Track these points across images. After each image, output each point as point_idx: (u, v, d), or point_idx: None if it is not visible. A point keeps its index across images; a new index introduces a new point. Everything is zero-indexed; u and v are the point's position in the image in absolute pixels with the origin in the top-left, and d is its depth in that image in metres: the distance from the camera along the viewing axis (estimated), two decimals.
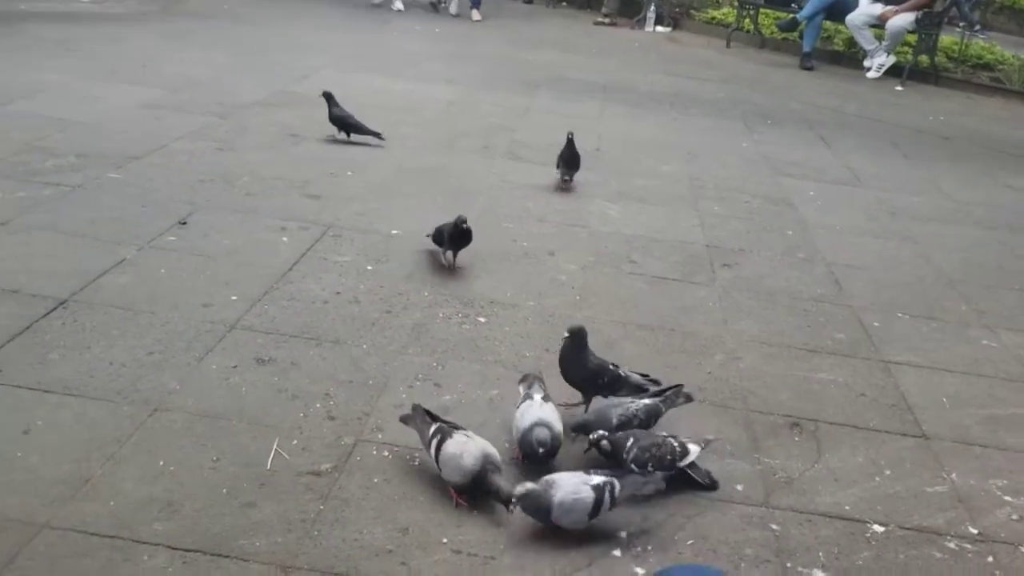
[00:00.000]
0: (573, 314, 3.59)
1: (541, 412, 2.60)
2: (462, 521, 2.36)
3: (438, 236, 3.87)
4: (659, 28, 12.08)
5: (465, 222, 3.74)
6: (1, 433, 2.49)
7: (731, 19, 11.78)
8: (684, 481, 2.58)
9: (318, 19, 10.04)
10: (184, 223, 4.03)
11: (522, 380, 2.82)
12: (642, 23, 12.07)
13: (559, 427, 2.59)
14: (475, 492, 2.40)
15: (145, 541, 2.16)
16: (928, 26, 10.04)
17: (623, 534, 2.37)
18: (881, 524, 2.54)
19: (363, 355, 3.11)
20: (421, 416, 2.55)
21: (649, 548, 2.34)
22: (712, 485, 2.61)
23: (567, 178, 5.06)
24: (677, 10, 12.53)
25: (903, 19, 9.80)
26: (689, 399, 2.87)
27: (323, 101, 5.50)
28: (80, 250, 3.66)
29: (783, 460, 2.79)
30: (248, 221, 4.15)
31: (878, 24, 10.06)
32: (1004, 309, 4.16)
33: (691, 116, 7.46)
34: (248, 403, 2.76)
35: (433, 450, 2.43)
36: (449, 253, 3.86)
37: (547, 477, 2.36)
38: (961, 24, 11.36)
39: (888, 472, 2.79)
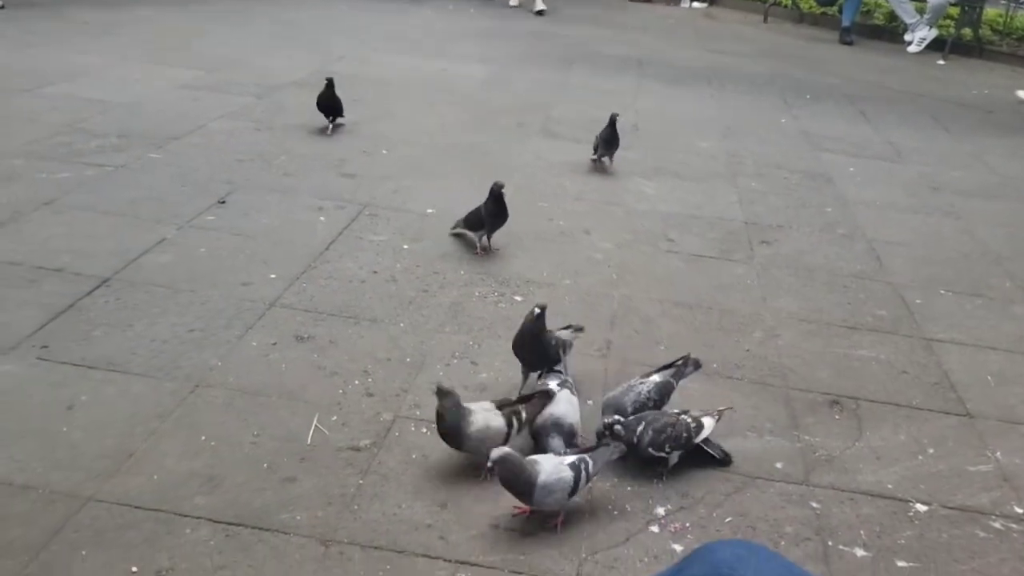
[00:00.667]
0: (610, 292, 3.57)
1: (555, 408, 2.56)
2: (499, 495, 2.36)
3: (473, 220, 3.79)
4: (695, 3, 11.92)
5: (503, 187, 3.68)
6: (46, 409, 2.54)
7: None
8: (699, 456, 2.56)
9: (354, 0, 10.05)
10: (223, 202, 4.07)
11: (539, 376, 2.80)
12: None
13: (573, 418, 2.56)
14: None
15: (188, 514, 2.20)
16: None
17: (661, 511, 2.36)
18: (924, 503, 2.51)
19: (401, 333, 3.12)
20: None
21: (687, 525, 2.33)
22: (726, 459, 2.59)
23: (606, 159, 4.99)
24: None
25: None
26: (698, 366, 2.83)
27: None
28: (121, 229, 3.71)
29: (823, 438, 2.76)
30: (286, 200, 4.18)
31: None
32: None
33: (728, 92, 7.37)
34: (288, 380, 2.78)
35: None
36: (484, 237, 3.79)
37: (527, 457, 2.31)
38: None
39: (931, 451, 2.75)
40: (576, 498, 2.31)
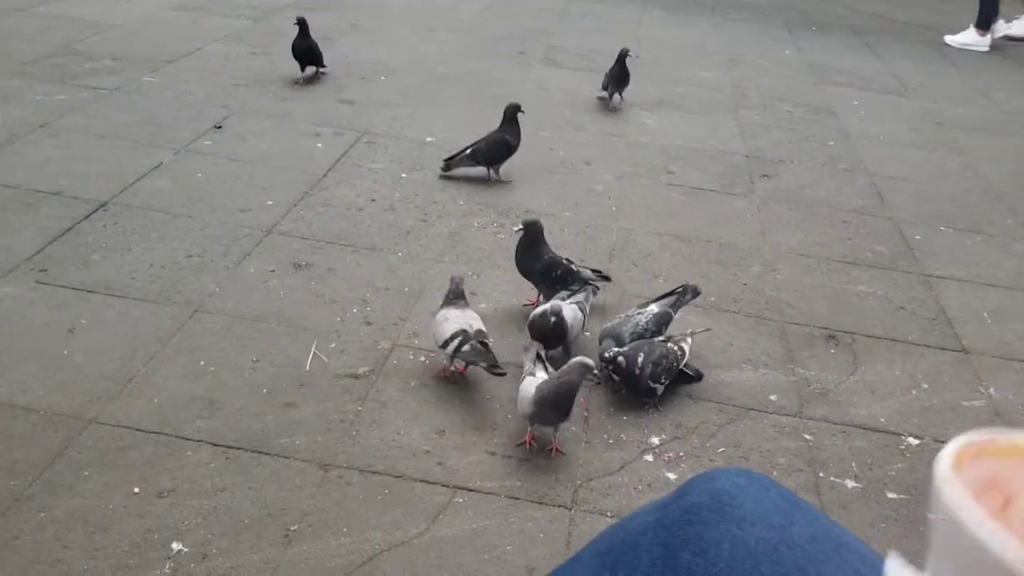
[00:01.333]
0: (609, 225, 3.56)
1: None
2: (497, 424, 2.39)
3: (497, 150, 3.73)
4: None
5: (519, 108, 3.69)
6: (47, 332, 2.55)
7: None
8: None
9: None
10: (220, 127, 4.02)
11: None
12: None
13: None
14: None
15: (188, 437, 2.22)
16: None
17: (655, 440, 2.39)
18: (916, 437, 2.54)
19: (399, 262, 3.12)
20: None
21: (681, 455, 2.36)
22: (698, 375, 2.65)
23: (616, 96, 4.84)
24: None
25: None
26: (696, 293, 2.85)
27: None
28: (118, 153, 3.67)
29: (818, 372, 2.79)
30: (283, 126, 4.14)
31: None
32: None
33: (733, 21, 7.24)
34: (286, 306, 2.79)
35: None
36: (494, 168, 3.78)
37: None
38: None
39: (925, 386, 2.78)
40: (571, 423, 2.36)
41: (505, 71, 5.31)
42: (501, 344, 2.72)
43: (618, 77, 4.76)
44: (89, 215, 3.17)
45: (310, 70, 4.72)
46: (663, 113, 4.88)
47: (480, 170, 3.81)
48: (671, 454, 2.36)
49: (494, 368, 2.46)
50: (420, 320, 2.79)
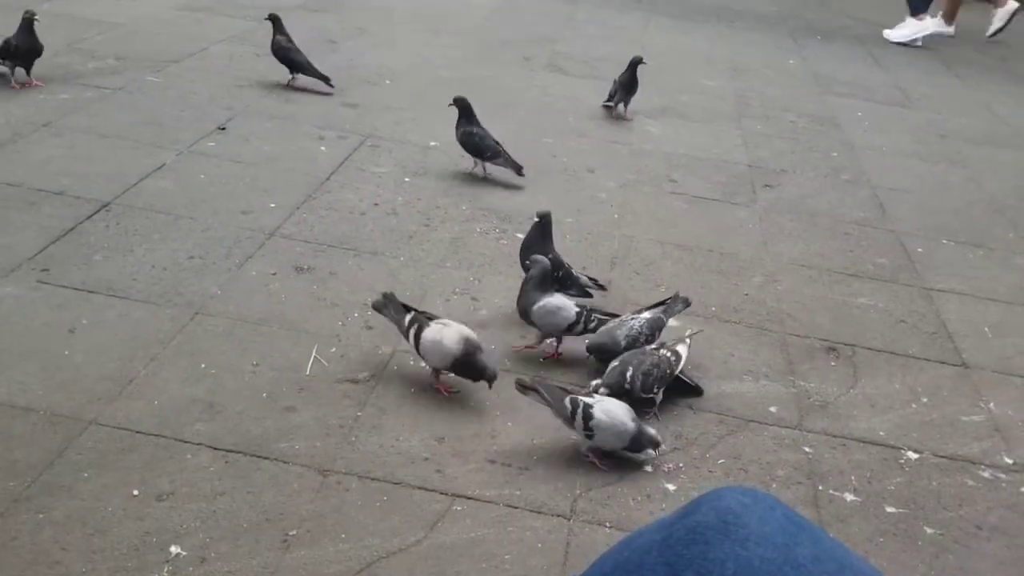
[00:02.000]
0: (611, 232, 3.56)
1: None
2: (496, 432, 2.39)
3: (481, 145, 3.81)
4: None
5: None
6: (48, 331, 2.55)
7: None
8: (674, 387, 2.60)
9: None
10: (223, 128, 4.03)
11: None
12: None
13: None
14: (462, 375, 2.46)
15: (188, 440, 2.22)
16: None
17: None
18: (915, 451, 2.54)
19: (401, 267, 3.12)
20: (395, 305, 2.59)
21: (681, 466, 2.36)
22: (698, 388, 2.64)
23: (621, 105, 4.79)
24: None
25: None
26: (687, 304, 2.85)
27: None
28: (121, 153, 3.67)
29: (818, 384, 2.78)
30: (287, 128, 4.14)
31: None
32: None
33: (738, 30, 7.25)
34: (287, 310, 2.79)
35: (412, 339, 2.48)
36: (482, 164, 3.85)
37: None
38: None
39: (925, 399, 2.78)
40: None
41: (509, 77, 5.32)
42: (501, 350, 2.72)
43: (627, 84, 4.73)
44: (91, 215, 3.17)
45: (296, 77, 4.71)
46: (666, 121, 4.88)
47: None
48: (670, 465, 2.36)
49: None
50: None
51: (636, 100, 4.92)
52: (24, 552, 1.86)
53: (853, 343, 3.02)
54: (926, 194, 4.39)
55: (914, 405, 2.75)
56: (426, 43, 5.66)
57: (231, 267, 2.98)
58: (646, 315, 2.72)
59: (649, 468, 2.34)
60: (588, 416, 2.28)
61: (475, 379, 2.48)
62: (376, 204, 3.54)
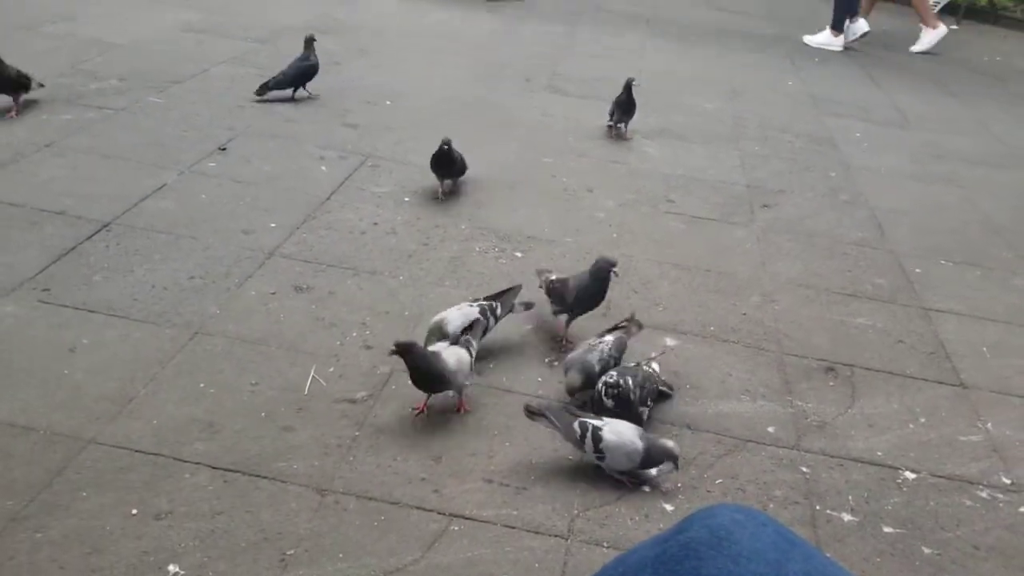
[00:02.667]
0: (610, 251, 3.57)
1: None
2: (494, 452, 2.39)
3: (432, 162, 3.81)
4: None
5: (448, 144, 3.70)
6: (48, 350, 2.56)
7: None
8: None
9: None
10: (224, 149, 4.05)
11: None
12: None
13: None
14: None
15: (187, 459, 2.22)
16: None
17: (652, 471, 2.39)
18: (913, 471, 2.54)
19: (400, 286, 3.13)
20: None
21: (679, 486, 2.36)
22: (670, 390, 2.69)
23: (621, 125, 4.85)
24: None
25: None
26: (640, 327, 2.85)
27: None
28: (123, 174, 3.70)
29: (816, 404, 2.79)
30: (287, 148, 4.16)
31: None
32: None
33: (735, 52, 7.30)
34: (286, 329, 2.80)
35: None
36: (447, 182, 3.84)
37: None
38: None
39: (923, 420, 2.78)
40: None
41: (509, 98, 5.35)
42: (500, 368, 2.73)
43: (624, 105, 4.76)
44: (92, 235, 3.19)
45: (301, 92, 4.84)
46: (665, 142, 4.91)
47: (475, 185, 3.84)
48: (668, 484, 2.36)
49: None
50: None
51: (634, 121, 4.94)
52: (22, 571, 1.86)
53: (851, 363, 3.03)
54: (924, 214, 4.40)
55: (912, 425, 2.75)
56: (427, 65, 5.69)
57: (231, 287, 2.99)
58: (609, 338, 2.69)
59: (647, 488, 2.35)
60: (597, 438, 2.29)
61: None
62: (376, 224, 3.56)
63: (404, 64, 5.73)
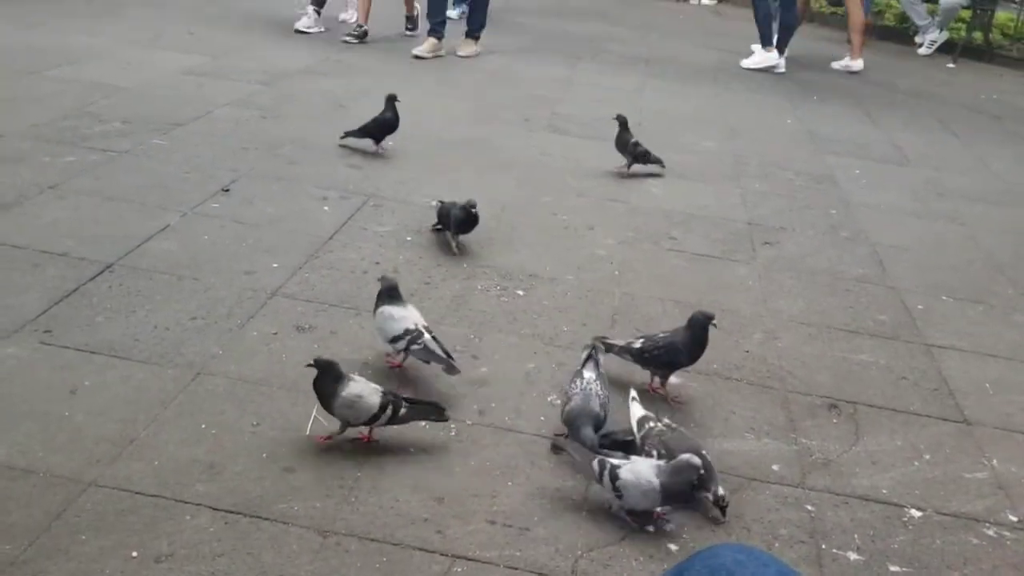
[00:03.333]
0: (611, 289, 3.58)
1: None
2: (497, 492, 2.38)
3: (443, 217, 3.74)
4: (704, 1, 11.90)
5: (475, 207, 3.63)
6: (49, 392, 2.55)
7: None
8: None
9: None
10: (227, 190, 4.08)
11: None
12: None
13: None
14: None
15: (188, 501, 2.21)
16: (983, 2, 9.78)
17: (657, 509, 2.37)
18: (918, 509, 2.52)
19: None
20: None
21: (683, 526, 2.34)
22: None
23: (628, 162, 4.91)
24: None
25: None
26: (606, 347, 2.83)
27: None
28: (126, 215, 3.72)
29: (820, 441, 2.77)
30: (290, 189, 4.19)
31: None
32: None
33: (735, 91, 7.36)
34: (288, 370, 2.79)
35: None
36: (460, 237, 3.74)
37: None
38: (1018, 0, 11.05)
39: (927, 457, 2.77)
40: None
41: (509, 137, 5.39)
42: (502, 407, 2.72)
43: (620, 142, 4.84)
44: (95, 276, 3.20)
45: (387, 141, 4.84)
46: (665, 180, 4.94)
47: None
48: (673, 525, 2.34)
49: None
50: (422, 384, 2.79)
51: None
52: None
53: (854, 400, 3.02)
54: (925, 251, 4.41)
55: (916, 462, 2.73)
56: (428, 105, 5.74)
57: (233, 327, 3.00)
58: (589, 375, 2.62)
59: (651, 528, 2.33)
60: (615, 476, 2.28)
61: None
62: (378, 263, 3.56)
63: (406, 105, 5.74)
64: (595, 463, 2.33)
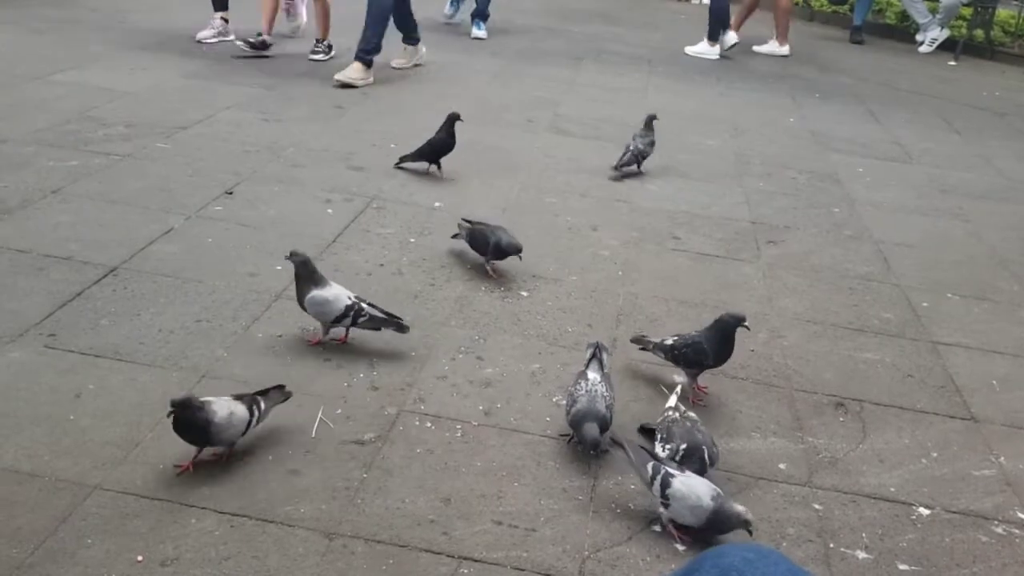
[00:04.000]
0: (615, 290, 3.58)
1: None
2: (503, 493, 2.37)
3: (477, 242, 3.56)
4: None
5: (520, 251, 3.49)
6: (54, 396, 2.55)
7: None
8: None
9: None
10: (231, 193, 4.07)
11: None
12: None
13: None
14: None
15: (193, 504, 2.21)
16: None
17: (664, 510, 2.36)
18: (926, 507, 2.51)
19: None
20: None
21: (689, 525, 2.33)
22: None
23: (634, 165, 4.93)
24: None
25: None
26: (605, 348, 2.78)
27: None
28: (129, 219, 3.72)
29: (827, 440, 2.76)
30: (293, 192, 4.19)
31: None
32: None
33: (737, 90, 7.35)
34: (293, 372, 2.79)
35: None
36: (494, 262, 3.61)
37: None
38: None
39: (935, 454, 2.75)
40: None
41: (513, 139, 5.38)
42: (507, 408, 2.72)
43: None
44: (99, 280, 3.20)
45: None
46: (669, 180, 4.93)
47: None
48: (677, 524, 2.33)
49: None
50: (427, 385, 2.79)
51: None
52: None
53: (861, 398, 3.01)
54: (929, 248, 4.40)
55: (924, 460, 2.72)
56: (431, 107, 5.73)
57: (237, 330, 2.99)
58: (594, 376, 2.60)
59: (658, 528, 2.32)
60: (666, 484, 2.26)
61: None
62: (381, 265, 3.56)
63: (408, 108, 5.78)
64: (650, 466, 2.31)
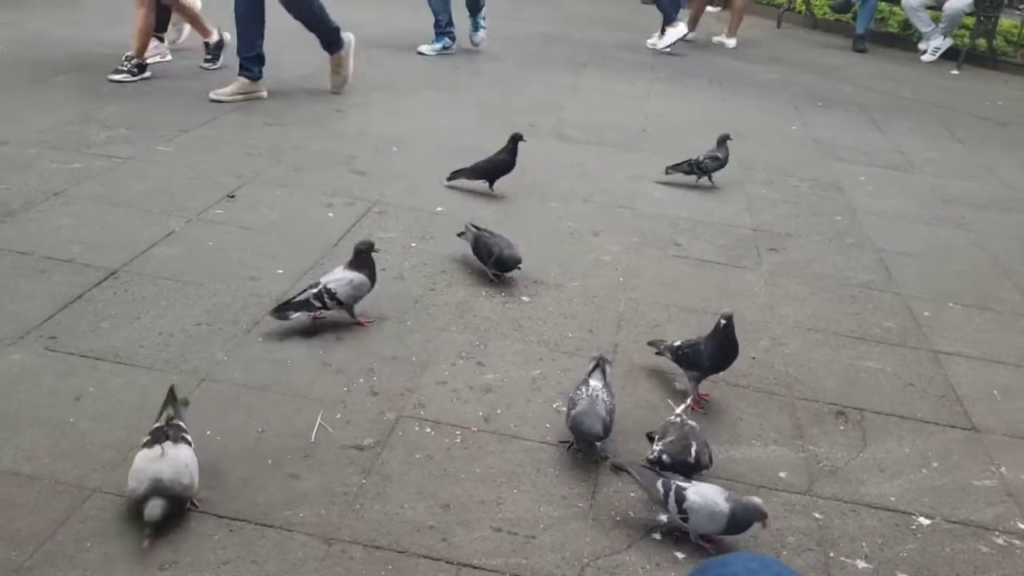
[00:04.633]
0: (617, 295, 3.57)
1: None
2: (503, 499, 2.37)
3: (481, 251, 3.55)
4: (708, 8, 11.88)
5: (520, 263, 3.50)
6: (54, 399, 2.55)
7: None
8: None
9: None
10: (232, 196, 4.08)
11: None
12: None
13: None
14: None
15: (191, 508, 2.20)
16: (987, 8, 9.78)
17: (664, 518, 2.36)
18: (927, 516, 2.51)
19: (407, 332, 3.12)
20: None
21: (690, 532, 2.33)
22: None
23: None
24: None
25: (961, 1, 9.54)
26: (609, 363, 2.79)
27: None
28: (131, 221, 3.72)
29: (828, 448, 2.76)
30: (295, 196, 4.19)
31: (935, 6, 9.82)
32: None
33: (740, 97, 7.36)
34: (293, 376, 2.79)
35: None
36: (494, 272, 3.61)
37: None
38: (1021, 6, 11.05)
39: (935, 464, 2.75)
40: None
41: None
42: (507, 414, 2.71)
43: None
44: (100, 282, 3.20)
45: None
46: (670, 186, 4.93)
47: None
48: (680, 532, 2.32)
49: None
50: (427, 390, 2.79)
51: (640, 166, 4.97)
52: None
53: (862, 407, 3.00)
54: (931, 257, 4.40)
55: (924, 470, 2.72)
56: (434, 112, 5.74)
57: (238, 333, 2.99)
58: (596, 383, 2.60)
59: (658, 535, 2.31)
60: (681, 498, 2.25)
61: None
62: (383, 269, 3.55)
63: (410, 112, 5.78)
64: (659, 484, 2.29)
